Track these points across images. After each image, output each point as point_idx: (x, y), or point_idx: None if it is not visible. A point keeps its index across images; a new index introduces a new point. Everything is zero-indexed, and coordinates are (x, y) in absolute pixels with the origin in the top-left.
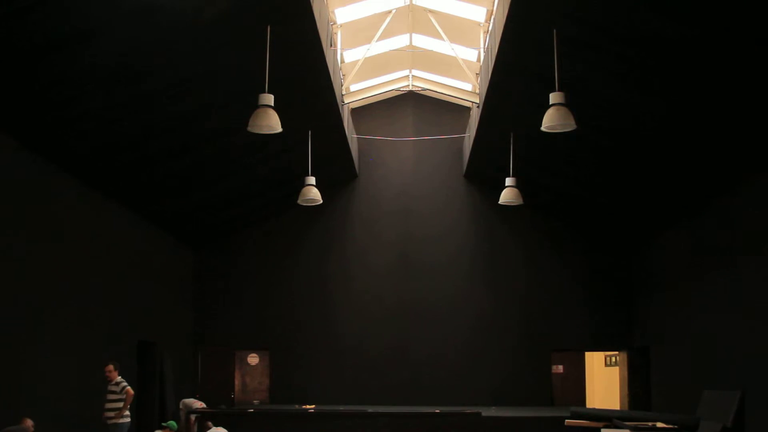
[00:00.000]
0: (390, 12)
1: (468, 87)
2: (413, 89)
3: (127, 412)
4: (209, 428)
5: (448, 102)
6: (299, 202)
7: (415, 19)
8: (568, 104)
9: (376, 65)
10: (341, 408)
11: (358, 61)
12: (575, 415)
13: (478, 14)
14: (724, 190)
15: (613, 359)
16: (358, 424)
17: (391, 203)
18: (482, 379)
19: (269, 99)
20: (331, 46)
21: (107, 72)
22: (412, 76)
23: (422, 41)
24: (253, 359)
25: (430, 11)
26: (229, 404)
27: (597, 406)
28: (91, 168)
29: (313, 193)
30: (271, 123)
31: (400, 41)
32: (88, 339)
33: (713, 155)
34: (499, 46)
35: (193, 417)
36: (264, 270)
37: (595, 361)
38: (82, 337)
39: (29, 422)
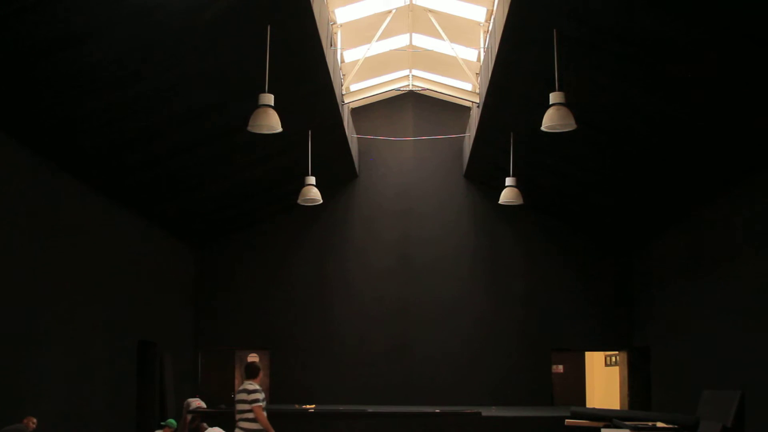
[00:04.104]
0: (390, 12)
1: (468, 87)
2: (413, 89)
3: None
4: (204, 429)
5: (448, 102)
6: (299, 202)
7: (415, 18)
8: (568, 104)
9: (376, 65)
10: (341, 408)
11: (358, 61)
12: (575, 415)
13: (478, 14)
14: (724, 190)
15: (613, 359)
16: (358, 424)
17: (391, 203)
18: (482, 379)
19: (269, 99)
20: (331, 45)
21: (107, 72)
22: (412, 76)
23: (422, 41)
24: (253, 359)
25: (430, 11)
26: (229, 404)
27: (597, 406)
28: (91, 168)
29: (313, 193)
30: (271, 123)
31: (400, 41)
32: (88, 339)
33: (713, 155)
34: (499, 46)
35: (189, 416)
36: (264, 270)
37: (595, 361)
38: (82, 337)
39: (32, 421)
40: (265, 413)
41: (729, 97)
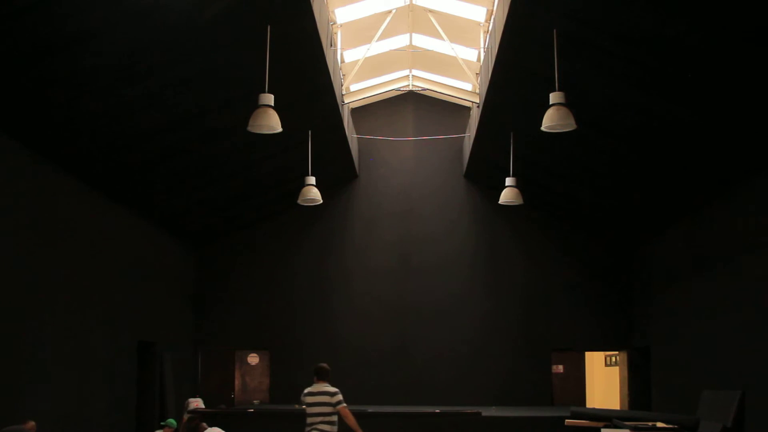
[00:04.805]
0: (390, 12)
1: (468, 87)
2: (413, 89)
3: None
4: (203, 429)
5: (448, 102)
6: (299, 202)
7: (415, 19)
8: (568, 104)
9: (376, 65)
10: None
11: (358, 61)
12: (575, 415)
13: (478, 14)
14: (724, 190)
15: (613, 359)
16: (357, 424)
17: (391, 203)
18: (482, 379)
19: (269, 99)
20: (331, 46)
21: (107, 72)
22: (412, 76)
23: (422, 41)
24: (253, 359)
25: (430, 11)
26: (229, 404)
27: (597, 406)
28: (91, 168)
29: (313, 193)
30: (271, 123)
31: (400, 41)
32: (88, 339)
33: (713, 155)
34: (499, 46)
35: (186, 416)
36: (264, 270)
37: (595, 361)
38: (82, 337)
39: (31, 424)
40: None
41: (729, 97)
